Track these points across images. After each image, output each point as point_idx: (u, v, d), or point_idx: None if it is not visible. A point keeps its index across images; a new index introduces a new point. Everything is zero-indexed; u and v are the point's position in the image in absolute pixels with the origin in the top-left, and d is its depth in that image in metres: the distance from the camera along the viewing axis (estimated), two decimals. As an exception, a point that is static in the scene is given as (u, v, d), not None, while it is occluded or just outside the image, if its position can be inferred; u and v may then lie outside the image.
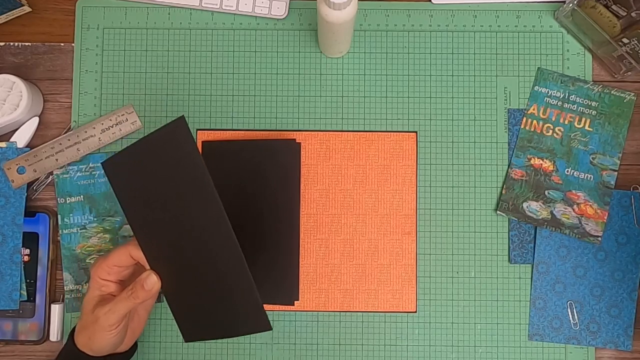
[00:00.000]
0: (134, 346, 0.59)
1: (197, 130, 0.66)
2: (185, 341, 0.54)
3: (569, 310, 0.64)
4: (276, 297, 0.64)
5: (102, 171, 0.65)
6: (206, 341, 0.57)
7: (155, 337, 0.65)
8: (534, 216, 0.64)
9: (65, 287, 0.65)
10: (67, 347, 0.55)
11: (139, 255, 0.53)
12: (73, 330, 0.56)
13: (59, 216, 0.65)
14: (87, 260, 0.65)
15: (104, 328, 0.52)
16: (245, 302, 0.51)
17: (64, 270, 0.65)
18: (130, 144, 0.53)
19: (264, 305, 0.63)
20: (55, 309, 0.63)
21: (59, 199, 0.65)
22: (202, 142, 0.66)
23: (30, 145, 0.66)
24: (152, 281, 0.52)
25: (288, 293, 0.64)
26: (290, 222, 0.65)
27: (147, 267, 0.53)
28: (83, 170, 0.65)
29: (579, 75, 0.67)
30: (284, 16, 0.67)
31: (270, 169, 0.65)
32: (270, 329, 0.51)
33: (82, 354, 0.54)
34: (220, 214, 0.50)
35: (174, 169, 0.51)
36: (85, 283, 0.64)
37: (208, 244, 0.52)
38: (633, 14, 0.61)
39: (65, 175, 0.65)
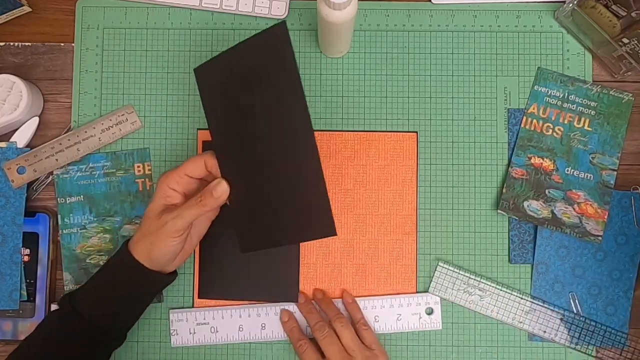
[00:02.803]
0: (175, 273, 0.59)
1: (198, 130, 0.66)
2: (242, 251, 0.55)
3: (571, 301, 0.64)
4: (277, 295, 0.64)
5: (102, 171, 0.65)
6: (261, 250, 0.56)
7: (155, 337, 0.65)
8: (535, 215, 0.64)
9: (65, 287, 0.64)
10: (121, 256, 0.56)
11: (214, 164, 0.54)
12: (125, 243, 0.56)
13: (59, 216, 0.65)
14: (87, 261, 0.65)
15: (170, 233, 0.53)
16: (317, 208, 0.51)
17: (64, 270, 0.65)
18: (226, 49, 0.52)
19: (264, 302, 0.64)
20: (55, 308, 0.63)
21: (59, 199, 0.65)
22: (203, 142, 0.66)
23: (30, 145, 0.66)
24: (222, 188, 0.53)
25: (289, 291, 0.64)
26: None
27: (219, 177, 0.54)
28: (83, 170, 0.65)
29: (578, 75, 0.67)
30: (284, 16, 0.67)
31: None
32: (336, 234, 0.51)
33: (138, 264, 0.54)
34: (307, 123, 0.49)
35: (267, 75, 0.50)
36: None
37: (289, 152, 0.51)
38: (633, 14, 0.61)
39: (65, 175, 0.65)
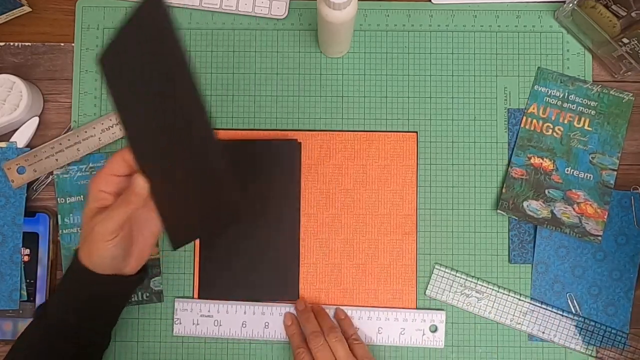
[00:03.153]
0: (143, 273, 0.58)
1: (197, 130, 0.66)
2: (173, 248, 0.52)
3: (569, 302, 0.64)
4: (277, 295, 0.64)
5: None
6: (187, 244, 0.54)
7: (155, 337, 0.65)
8: (535, 215, 0.64)
9: (65, 287, 0.65)
10: (72, 264, 0.55)
11: (131, 158, 0.51)
12: (77, 250, 0.55)
13: (59, 216, 0.65)
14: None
15: (102, 236, 0.51)
16: (224, 197, 0.47)
17: (64, 270, 0.65)
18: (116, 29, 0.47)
19: (266, 302, 0.64)
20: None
21: (59, 199, 0.65)
22: (202, 142, 0.66)
23: (30, 145, 0.66)
24: (139, 183, 0.50)
25: (289, 291, 0.64)
26: (291, 222, 0.65)
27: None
28: (83, 170, 0.65)
29: (579, 75, 0.67)
30: (284, 16, 0.67)
31: (271, 169, 0.65)
32: (239, 221, 0.47)
33: (86, 269, 0.53)
34: (199, 102, 0.44)
35: (153, 54, 0.45)
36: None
37: (187, 139, 0.46)
38: (633, 14, 0.61)
39: (65, 175, 0.65)
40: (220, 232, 0.51)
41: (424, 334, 0.64)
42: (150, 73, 0.46)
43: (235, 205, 0.47)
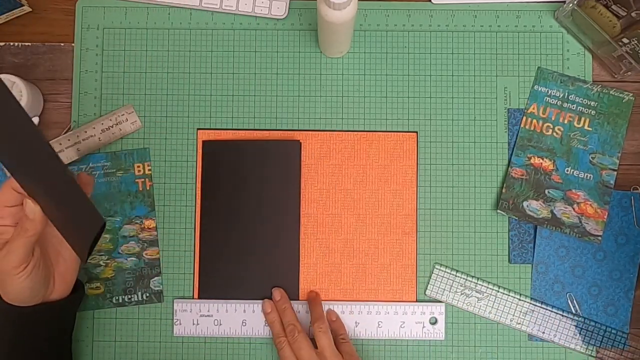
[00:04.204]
0: (78, 293, 0.57)
1: (197, 129, 0.66)
2: (83, 263, 0.52)
3: (569, 302, 0.64)
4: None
5: (102, 171, 0.65)
6: (89, 254, 0.54)
7: (155, 337, 0.65)
8: (534, 215, 0.64)
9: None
10: None
11: (18, 186, 0.50)
12: None
13: (59, 216, 0.65)
14: (87, 261, 0.65)
15: (9, 272, 0.49)
16: (81, 208, 0.50)
17: (64, 270, 0.65)
18: None
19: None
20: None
21: (59, 199, 0.65)
22: (203, 141, 0.66)
23: (30, 145, 0.66)
24: (30, 208, 0.48)
25: (288, 291, 0.64)
26: (291, 222, 0.65)
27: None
28: (83, 170, 0.65)
29: (579, 75, 0.67)
30: (284, 16, 0.67)
31: (271, 169, 0.65)
32: (104, 222, 0.49)
33: (9, 306, 0.51)
34: (37, 139, 0.46)
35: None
36: (86, 282, 0.64)
37: (37, 165, 0.47)
38: (633, 14, 0.61)
39: (65, 175, 0.65)
40: (92, 236, 0.52)
41: (424, 327, 0.64)
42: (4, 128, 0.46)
43: (92, 210, 0.49)
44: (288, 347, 0.59)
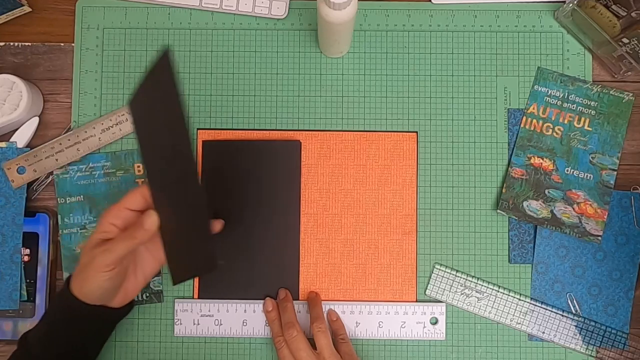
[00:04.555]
0: (128, 308, 0.59)
1: (197, 130, 0.66)
2: (173, 284, 0.54)
3: (569, 302, 0.64)
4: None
5: (102, 171, 0.65)
6: (185, 282, 0.58)
7: (155, 337, 0.65)
8: (534, 215, 0.64)
9: (65, 287, 0.65)
10: (62, 291, 0.55)
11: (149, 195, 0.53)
12: (70, 277, 0.55)
13: (59, 216, 0.65)
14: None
15: (99, 268, 0.51)
16: (199, 245, 0.51)
17: (65, 271, 0.65)
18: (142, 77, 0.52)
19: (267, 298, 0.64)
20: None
21: (58, 199, 0.65)
22: (203, 141, 0.66)
23: (30, 145, 0.66)
24: (151, 220, 0.52)
25: (289, 289, 0.64)
26: (291, 222, 0.65)
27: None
28: (83, 170, 0.65)
29: (579, 75, 0.67)
30: (284, 16, 0.67)
31: (271, 169, 0.65)
32: (215, 268, 0.50)
33: (73, 297, 0.53)
34: (189, 158, 0.49)
35: (161, 107, 0.50)
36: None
37: (180, 186, 0.51)
38: (633, 14, 0.61)
39: (65, 175, 0.65)
40: (198, 274, 0.56)
41: (424, 327, 0.64)
42: (161, 122, 0.50)
43: (210, 253, 0.50)
44: (286, 347, 0.59)
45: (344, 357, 0.59)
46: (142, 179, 0.66)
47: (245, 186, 0.65)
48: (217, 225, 0.58)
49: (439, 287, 0.64)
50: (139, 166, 0.66)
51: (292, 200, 0.65)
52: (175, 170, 0.50)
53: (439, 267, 0.65)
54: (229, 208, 0.65)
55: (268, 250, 0.65)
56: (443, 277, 0.64)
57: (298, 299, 0.65)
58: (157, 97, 0.50)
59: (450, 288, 0.64)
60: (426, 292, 0.64)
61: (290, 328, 0.59)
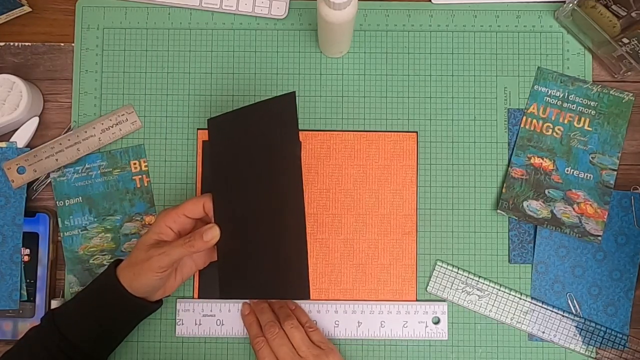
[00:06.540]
0: (160, 303, 0.61)
1: (197, 130, 0.66)
2: (220, 297, 0.58)
3: (569, 302, 0.64)
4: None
5: (98, 171, 0.65)
6: (238, 299, 0.63)
7: (156, 337, 0.65)
8: (534, 215, 0.64)
9: (70, 290, 0.64)
10: (107, 278, 0.57)
11: (211, 207, 0.57)
12: (114, 264, 0.57)
13: (59, 219, 0.65)
14: (90, 262, 0.65)
15: (154, 268, 0.54)
16: (296, 271, 0.55)
17: (68, 273, 0.65)
18: (239, 107, 0.57)
19: (272, 300, 0.64)
20: (55, 305, 0.63)
21: (57, 202, 0.65)
22: (203, 141, 0.66)
23: (30, 145, 0.66)
24: (213, 233, 0.55)
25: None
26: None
27: (212, 222, 0.57)
28: (80, 171, 0.65)
29: (579, 75, 0.67)
30: (284, 16, 0.67)
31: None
32: (309, 298, 0.55)
33: (121, 287, 0.55)
34: (299, 190, 0.54)
35: (272, 138, 0.55)
36: (86, 283, 0.65)
37: (279, 213, 0.55)
38: (633, 14, 0.61)
39: (62, 178, 0.65)
40: (285, 298, 0.61)
41: (426, 326, 0.64)
42: (259, 150, 0.56)
43: (302, 280, 0.55)
44: (267, 346, 0.60)
45: (320, 346, 0.60)
46: (146, 177, 0.66)
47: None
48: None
49: (440, 285, 0.64)
50: (135, 163, 0.66)
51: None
52: (272, 199, 0.56)
53: (440, 264, 0.65)
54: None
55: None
56: (444, 274, 0.64)
57: (309, 297, 0.64)
58: (266, 127, 0.55)
59: (452, 285, 0.64)
60: (427, 289, 0.64)
61: (272, 327, 0.60)
